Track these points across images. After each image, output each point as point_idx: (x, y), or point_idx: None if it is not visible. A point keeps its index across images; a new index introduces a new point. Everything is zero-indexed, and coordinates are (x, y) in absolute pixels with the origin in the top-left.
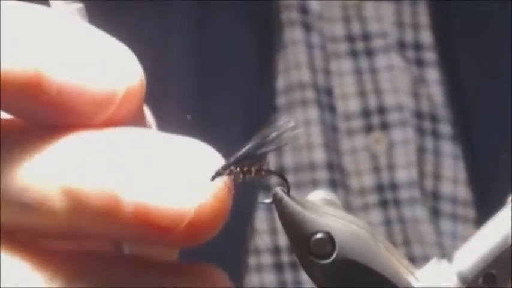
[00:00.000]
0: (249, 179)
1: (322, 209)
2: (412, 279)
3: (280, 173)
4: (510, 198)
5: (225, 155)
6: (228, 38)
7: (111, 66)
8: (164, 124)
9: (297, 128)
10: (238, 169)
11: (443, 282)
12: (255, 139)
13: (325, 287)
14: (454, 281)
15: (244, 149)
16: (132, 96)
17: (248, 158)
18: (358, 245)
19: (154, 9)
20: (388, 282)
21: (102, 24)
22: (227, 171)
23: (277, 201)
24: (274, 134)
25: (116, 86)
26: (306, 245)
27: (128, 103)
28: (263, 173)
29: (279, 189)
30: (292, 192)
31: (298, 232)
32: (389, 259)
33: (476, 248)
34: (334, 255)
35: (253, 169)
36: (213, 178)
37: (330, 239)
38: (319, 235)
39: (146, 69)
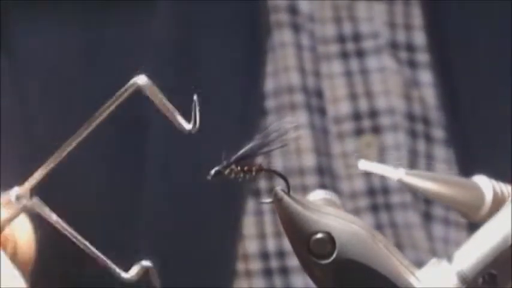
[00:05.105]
0: (249, 178)
1: (323, 209)
2: (412, 279)
3: (281, 173)
4: (510, 198)
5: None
6: (215, 39)
7: None
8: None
9: (298, 128)
10: (239, 168)
11: (443, 282)
12: (256, 139)
13: (325, 287)
14: (454, 281)
15: (245, 148)
16: None
17: (249, 157)
18: (358, 244)
19: (139, 7)
20: (389, 281)
21: (91, 20)
22: (228, 170)
23: (278, 201)
24: (276, 134)
25: None
26: (306, 245)
27: None
28: (264, 172)
29: (279, 189)
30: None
31: (298, 232)
32: (390, 259)
33: (476, 248)
34: (334, 255)
35: (254, 168)
36: (213, 176)
37: (330, 239)
38: (319, 235)
39: (131, 66)
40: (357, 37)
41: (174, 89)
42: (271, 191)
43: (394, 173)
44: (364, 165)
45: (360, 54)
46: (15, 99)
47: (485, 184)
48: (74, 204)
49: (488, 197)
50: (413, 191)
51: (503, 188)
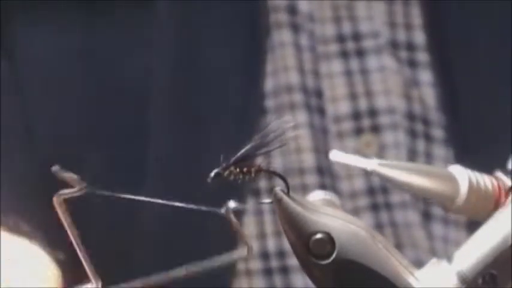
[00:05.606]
0: (249, 179)
1: (322, 210)
2: (411, 279)
3: (280, 174)
4: (510, 198)
5: (220, 157)
6: (215, 39)
7: None
8: (149, 126)
9: (296, 128)
10: (238, 170)
11: (443, 282)
12: (254, 140)
13: (325, 287)
14: (454, 281)
15: (243, 150)
16: None
17: (248, 159)
18: (357, 245)
19: (139, 7)
20: (388, 282)
21: (91, 21)
22: (227, 172)
23: (277, 202)
24: (274, 134)
25: None
26: (306, 245)
27: None
28: (263, 173)
29: (278, 190)
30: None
31: (298, 232)
32: (389, 259)
33: (476, 248)
34: (333, 255)
35: (252, 170)
36: (212, 179)
37: (329, 239)
38: (319, 235)
39: (131, 66)
40: (356, 36)
41: (174, 89)
42: (271, 191)
43: (367, 163)
44: (335, 156)
45: (360, 53)
46: (15, 99)
47: (461, 174)
48: (73, 204)
49: (464, 188)
50: (387, 182)
51: (480, 178)
